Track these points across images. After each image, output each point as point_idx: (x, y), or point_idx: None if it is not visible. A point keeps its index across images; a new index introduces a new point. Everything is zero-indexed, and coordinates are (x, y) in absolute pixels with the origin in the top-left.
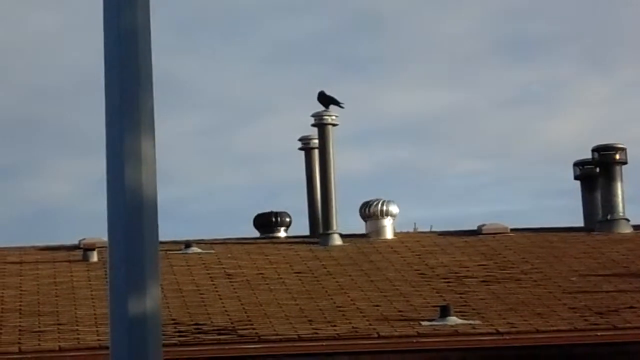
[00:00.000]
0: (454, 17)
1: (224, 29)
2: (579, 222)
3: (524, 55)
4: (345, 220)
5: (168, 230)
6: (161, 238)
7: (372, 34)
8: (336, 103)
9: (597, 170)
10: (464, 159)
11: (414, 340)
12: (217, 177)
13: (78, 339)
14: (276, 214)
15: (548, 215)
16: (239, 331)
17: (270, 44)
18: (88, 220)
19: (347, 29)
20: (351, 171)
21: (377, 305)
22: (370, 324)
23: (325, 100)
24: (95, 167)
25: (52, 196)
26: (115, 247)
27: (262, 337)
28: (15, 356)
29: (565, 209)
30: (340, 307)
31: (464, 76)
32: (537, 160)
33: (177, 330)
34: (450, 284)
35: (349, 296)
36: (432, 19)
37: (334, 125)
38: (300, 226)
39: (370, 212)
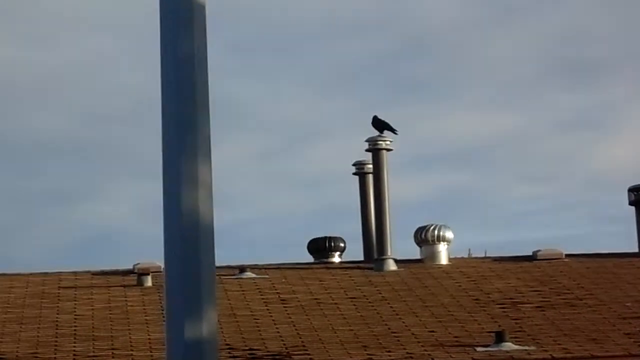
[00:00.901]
0: (511, 40)
1: (281, 53)
2: (634, 248)
3: (580, 78)
4: (400, 246)
5: (223, 254)
6: (216, 263)
7: (429, 58)
8: (390, 129)
9: None
10: (518, 183)
11: None
12: (272, 201)
13: None
14: (330, 239)
15: (603, 240)
16: (293, 357)
17: (327, 68)
18: (143, 244)
19: (403, 53)
20: (406, 196)
21: (432, 331)
22: (425, 350)
23: (380, 125)
24: (150, 191)
25: (108, 220)
26: (171, 272)
27: None
28: None
29: (620, 234)
30: (395, 332)
31: (520, 100)
32: (592, 185)
33: (231, 355)
34: (505, 309)
35: (403, 322)
36: (488, 42)
37: (388, 150)
38: (355, 251)
39: (424, 238)
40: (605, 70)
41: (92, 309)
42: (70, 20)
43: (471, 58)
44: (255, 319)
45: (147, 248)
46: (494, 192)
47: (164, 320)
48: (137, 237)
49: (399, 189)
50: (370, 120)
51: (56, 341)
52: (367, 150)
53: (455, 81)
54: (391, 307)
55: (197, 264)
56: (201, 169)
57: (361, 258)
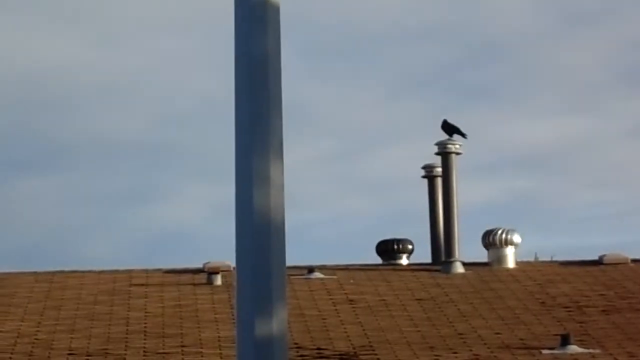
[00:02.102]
0: (580, 46)
1: (352, 57)
2: None
3: None
4: (467, 249)
5: (292, 255)
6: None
7: (499, 64)
8: (460, 133)
9: None
10: (586, 188)
11: None
12: (342, 203)
13: None
14: (399, 241)
15: None
16: (360, 357)
17: (397, 72)
18: (213, 244)
19: (473, 58)
20: (474, 200)
21: (499, 333)
22: (491, 352)
23: (449, 129)
24: (220, 192)
25: (179, 220)
26: (242, 270)
27: None
28: None
29: None
30: (461, 334)
31: (588, 106)
32: None
33: (299, 354)
34: (570, 313)
35: (470, 324)
36: (558, 48)
37: (457, 154)
38: (422, 254)
39: (492, 241)
40: None
41: (163, 307)
42: (139, 20)
43: (540, 64)
44: (323, 318)
45: (218, 248)
46: (561, 197)
47: (233, 319)
48: (207, 237)
49: (467, 192)
50: (440, 124)
51: (126, 338)
52: (436, 154)
53: (525, 87)
54: (458, 309)
55: (268, 262)
56: (273, 169)
57: (429, 260)
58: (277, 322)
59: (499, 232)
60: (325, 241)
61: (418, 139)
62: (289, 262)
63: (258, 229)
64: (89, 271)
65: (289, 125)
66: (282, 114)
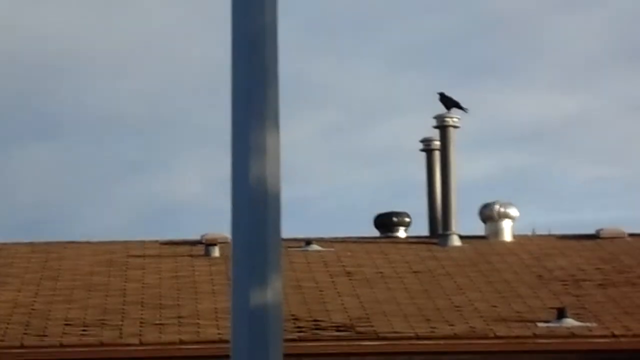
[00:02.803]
0: (582, 21)
1: (353, 30)
2: None
3: None
4: (465, 222)
5: (290, 228)
6: (283, 235)
7: (501, 39)
8: (459, 107)
9: None
10: (586, 164)
11: (530, 341)
12: (340, 176)
13: (198, 332)
14: (396, 214)
15: None
16: (357, 328)
17: (398, 45)
18: (212, 216)
19: (474, 31)
20: (472, 174)
21: (495, 306)
22: (487, 324)
23: (447, 102)
24: (220, 164)
25: (178, 192)
26: (238, 241)
27: (380, 335)
28: (136, 348)
29: None
30: (457, 306)
31: (588, 81)
32: None
33: (296, 326)
34: (567, 286)
35: (466, 296)
36: (559, 22)
37: (455, 127)
38: (420, 227)
39: (489, 214)
40: None
41: (160, 278)
42: None
43: (542, 40)
44: (320, 290)
45: (216, 220)
46: (560, 173)
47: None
48: (206, 208)
49: (465, 166)
50: (438, 97)
51: (123, 309)
52: (434, 127)
53: (525, 62)
54: (454, 281)
55: (263, 233)
56: (269, 140)
57: (426, 233)
58: (272, 293)
59: (497, 205)
60: (324, 214)
61: (418, 112)
62: (287, 234)
63: (254, 199)
64: (86, 242)
65: (289, 98)
66: (278, 86)
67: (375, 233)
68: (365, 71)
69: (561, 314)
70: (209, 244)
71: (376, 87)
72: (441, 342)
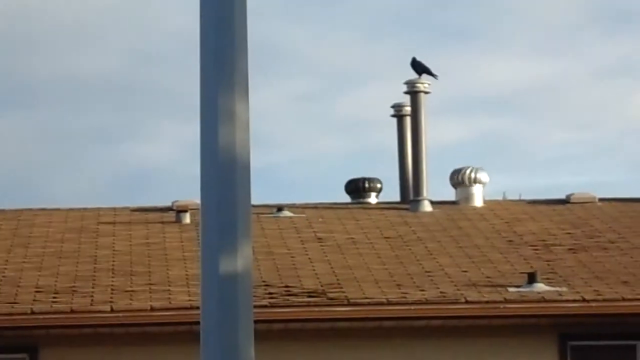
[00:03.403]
0: None
1: None
2: None
3: (622, 25)
4: (436, 188)
5: (262, 194)
6: (254, 202)
7: (470, 2)
8: (430, 73)
9: None
10: (557, 129)
11: (501, 306)
12: (312, 143)
13: (169, 298)
14: (367, 180)
15: (638, 186)
16: (328, 294)
17: (369, 11)
18: (183, 183)
19: None
20: (443, 139)
21: (465, 271)
22: (458, 289)
23: (418, 68)
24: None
25: (148, 159)
26: (207, 207)
27: (351, 300)
28: (107, 315)
29: None
30: (428, 272)
31: (559, 47)
32: (630, 131)
33: (267, 292)
34: (537, 251)
35: (437, 262)
36: None
37: (426, 93)
38: (392, 193)
39: (460, 180)
40: None
41: (131, 245)
42: None
43: (512, 5)
44: (291, 256)
45: (187, 186)
46: (531, 138)
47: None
48: (177, 175)
49: (437, 132)
50: (410, 62)
51: (94, 276)
52: (405, 93)
53: (496, 28)
54: (425, 247)
55: (233, 199)
56: (239, 106)
57: (397, 199)
58: (242, 259)
59: (467, 170)
60: (295, 180)
61: (390, 78)
62: (259, 200)
63: (223, 166)
64: (57, 209)
65: (261, 64)
66: (247, 53)
67: (347, 199)
68: (337, 38)
69: (532, 278)
70: (179, 210)
71: (348, 54)
72: (412, 307)
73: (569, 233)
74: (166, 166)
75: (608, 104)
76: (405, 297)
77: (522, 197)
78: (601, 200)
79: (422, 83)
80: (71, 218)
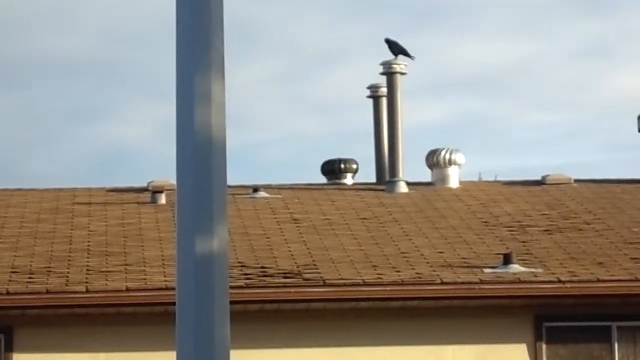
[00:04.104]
0: None
1: None
2: None
3: (596, 6)
4: (412, 169)
5: (238, 174)
6: (230, 182)
7: None
8: (406, 54)
9: None
10: (533, 110)
11: (477, 287)
12: (288, 123)
13: (145, 279)
14: (343, 161)
15: (614, 167)
16: (304, 275)
17: None
18: (159, 163)
19: None
20: (420, 121)
21: (441, 252)
22: (433, 270)
23: (395, 48)
24: (166, 111)
25: (124, 139)
26: (183, 187)
27: (327, 281)
28: (82, 295)
29: (632, 161)
30: (404, 253)
31: (535, 28)
32: (606, 112)
33: (243, 273)
34: (513, 232)
35: (413, 242)
36: None
37: (402, 74)
38: (368, 174)
39: (436, 161)
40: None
41: (106, 225)
42: None
43: None
44: (267, 237)
45: (163, 167)
46: (507, 119)
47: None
48: (154, 156)
49: (413, 113)
50: (384, 42)
51: (70, 256)
52: (381, 74)
53: (472, 8)
54: (401, 228)
55: (208, 180)
56: (215, 87)
57: (373, 180)
58: (218, 240)
59: (443, 152)
60: (271, 161)
61: (366, 59)
62: (235, 181)
63: (199, 146)
64: (33, 189)
65: (239, 45)
66: (223, 32)
67: (323, 180)
68: (313, 18)
69: (507, 259)
70: (155, 191)
71: (324, 35)
72: (388, 288)
73: (545, 214)
74: (142, 147)
75: (584, 84)
76: (380, 278)
77: (498, 179)
78: (576, 181)
79: (398, 64)
80: (47, 198)
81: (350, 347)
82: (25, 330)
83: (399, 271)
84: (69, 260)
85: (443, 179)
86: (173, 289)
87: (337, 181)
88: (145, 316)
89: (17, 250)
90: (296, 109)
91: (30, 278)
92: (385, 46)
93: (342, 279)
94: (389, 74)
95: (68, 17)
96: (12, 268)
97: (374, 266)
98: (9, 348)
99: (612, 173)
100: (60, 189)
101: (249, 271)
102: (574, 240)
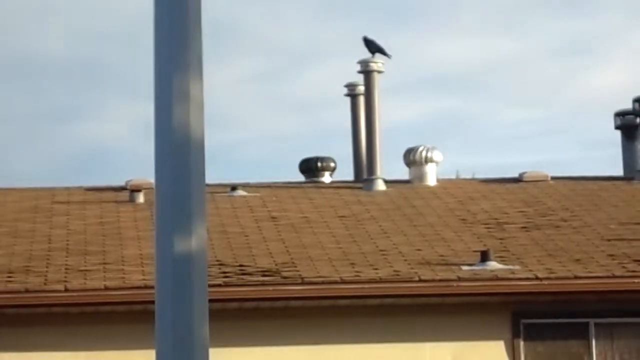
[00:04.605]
0: None
1: None
2: (620, 172)
3: (572, 4)
4: (390, 167)
5: (216, 173)
6: (209, 181)
7: None
8: (383, 52)
9: (638, 120)
10: (509, 108)
11: (454, 284)
12: (266, 122)
13: (123, 278)
14: (321, 159)
15: (590, 164)
16: (282, 273)
17: None
18: (138, 162)
19: None
20: (398, 119)
21: (419, 250)
22: (411, 268)
23: (372, 47)
24: (145, 110)
25: (103, 138)
26: (161, 186)
27: (305, 279)
28: (61, 294)
29: (608, 158)
30: (382, 250)
31: (512, 25)
32: (582, 110)
33: (221, 271)
34: (490, 229)
35: (391, 240)
36: None
37: (379, 72)
38: (345, 172)
39: (413, 159)
40: None
41: (85, 224)
42: None
43: None
44: (245, 235)
45: (141, 165)
46: (485, 116)
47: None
48: (132, 154)
49: (391, 111)
50: (363, 42)
51: (48, 255)
52: (359, 72)
53: (449, 6)
54: (379, 225)
55: (187, 179)
56: (193, 86)
57: (351, 178)
58: (197, 239)
59: (420, 149)
60: (250, 159)
61: (344, 58)
62: (213, 180)
63: (177, 145)
64: (11, 188)
65: (217, 44)
66: (201, 31)
67: (301, 178)
68: (292, 17)
69: (485, 257)
70: (133, 190)
71: (302, 33)
72: (366, 286)
73: (522, 211)
74: (120, 146)
75: (560, 82)
76: (359, 276)
77: (475, 176)
78: (554, 178)
79: (375, 62)
80: (25, 197)
81: (328, 345)
82: (4, 330)
83: (377, 269)
84: (48, 259)
85: (421, 176)
86: (152, 287)
87: (315, 179)
88: (124, 315)
89: None
90: (274, 108)
91: (9, 277)
92: (363, 45)
93: (320, 276)
94: (367, 72)
95: (46, 16)
96: None
97: (352, 264)
98: None
99: (589, 170)
100: (39, 188)
101: (227, 270)
102: (551, 237)
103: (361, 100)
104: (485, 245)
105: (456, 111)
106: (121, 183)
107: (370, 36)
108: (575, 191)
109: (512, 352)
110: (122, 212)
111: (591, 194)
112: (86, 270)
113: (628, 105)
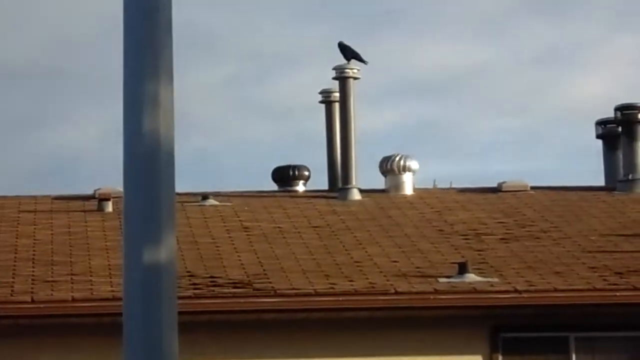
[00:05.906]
0: None
1: None
2: (601, 182)
3: (552, 12)
4: (366, 176)
5: (187, 182)
6: (179, 189)
7: None
8: (359, 59)
9: (619, 130)
10: (487, 116)
11: (431, 297)
12: (239, 129)
13: (91, 289)
14: (295, 168)
15: (570, 174)
16: (254, 285)
17: None
18: (106, 170)
19: None
20: (374, 126)
21: (395, 261)
22: (387, 280)
23: (347, 53)
24: (113, 116)
25: (70, 146)
26: (130, 195)
27: (278, 291)
28: (27, 305)
29: (588, 168)
30: (357, 262)
31: (491, 33)
32: (562, 118)
33: (192, 282)
34: (468, 240)
35: (366, 251)
36: None
37: (355, 78)
38: (320, 181)
39: (390, 168)
40: (578, 4)
41: (52, 234)
42: None
43: None
44: (217, 246)
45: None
46: (463, 124)
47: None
48: (99, 163)
49: (366, 119)
50: (338, 48)
51: (14, 265)
52: (334, 79)
53: (427, 13)
54: (354, 236)
55: (156, 187)
56: (163, 93)
57: (326, 187)
58: (166, 249)
59: (397, 158)
60: (221, 167)
61: (319, 64)
62: (183, 188)
63: (147, 153)
64: None
65: (189, 50)
66: (172, 37)
67: (274, 187)
68: (265, 23)
69: (463, 269)
70: (102, 199)
71: (276, 39)
72: (340, 298)
73: (501, 222)
74: (88, 154)
75: (540, 90)
76: (333, 288)
77: (453, 185)
78: (533, 188)
79: (351, 69)
80: None
81: (301, 359)
82: None
83: (352, 281)
84: (14, 269)
85: (397, 186)
86: (120, 299)
87: (289, 188)
88: (92, 327)
89: None
90: (246, 115)
91: None
92: (338, 50)
93: (293, 288)
94: (342, 78)
95: (12, 21)
96: None
97: (326, 276)
98: None
99: (569, 180)
100: (5, 197)
101: (197, 281)
102: (530, 249)
103: (336, 107)
104: (463, 256)
105: (434, 119)
106: (89, 192)
107: (347, 42)
108: (556, 202)
109: None
110: (90, 221)
111: (572, 205)
112: (53, 281)
113: (610, 114)
